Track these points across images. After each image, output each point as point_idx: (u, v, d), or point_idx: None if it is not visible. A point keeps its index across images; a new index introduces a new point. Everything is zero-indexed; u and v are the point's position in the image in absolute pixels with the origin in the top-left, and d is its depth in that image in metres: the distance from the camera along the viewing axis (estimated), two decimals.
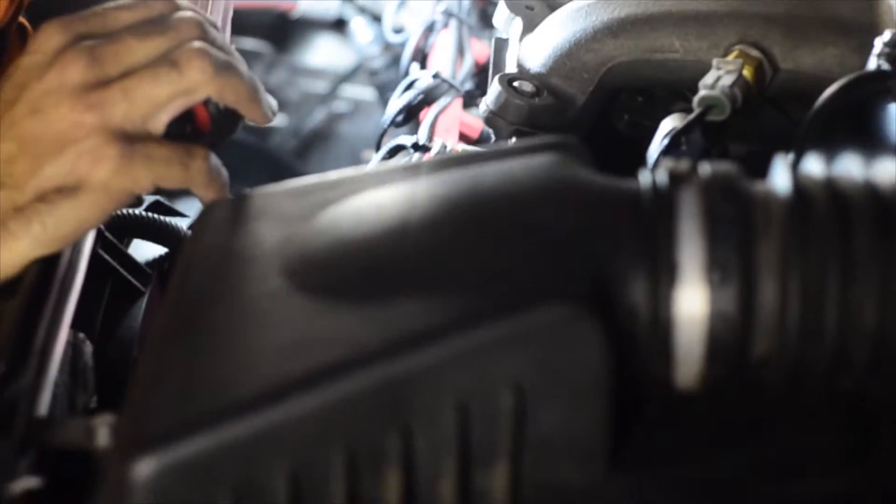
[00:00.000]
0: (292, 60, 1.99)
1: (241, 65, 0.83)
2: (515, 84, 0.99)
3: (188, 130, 0.84)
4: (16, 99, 0.79)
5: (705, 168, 0.70)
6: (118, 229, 1.00)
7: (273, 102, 0.86)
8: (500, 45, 1.07)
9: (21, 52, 0.83)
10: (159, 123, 0.80)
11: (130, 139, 0.79)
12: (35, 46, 0.81)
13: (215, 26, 0.84)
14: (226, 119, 0.85)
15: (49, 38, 0.81)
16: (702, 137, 0.92)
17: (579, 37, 0.99)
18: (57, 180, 0.78)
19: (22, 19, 1.08)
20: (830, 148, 0.86)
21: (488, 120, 0.99)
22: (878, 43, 0.90)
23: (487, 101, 0.99)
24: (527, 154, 0.77)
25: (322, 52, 2.00)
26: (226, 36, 1.07)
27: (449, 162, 0.78)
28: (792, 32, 0.95)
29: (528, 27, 1.05)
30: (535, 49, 1.01)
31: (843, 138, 0.89)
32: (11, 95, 0.80)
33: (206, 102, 0.83)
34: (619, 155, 0.97)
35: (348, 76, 1.93)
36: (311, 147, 1.96)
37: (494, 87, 0.99)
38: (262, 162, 1.88)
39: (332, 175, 0.80)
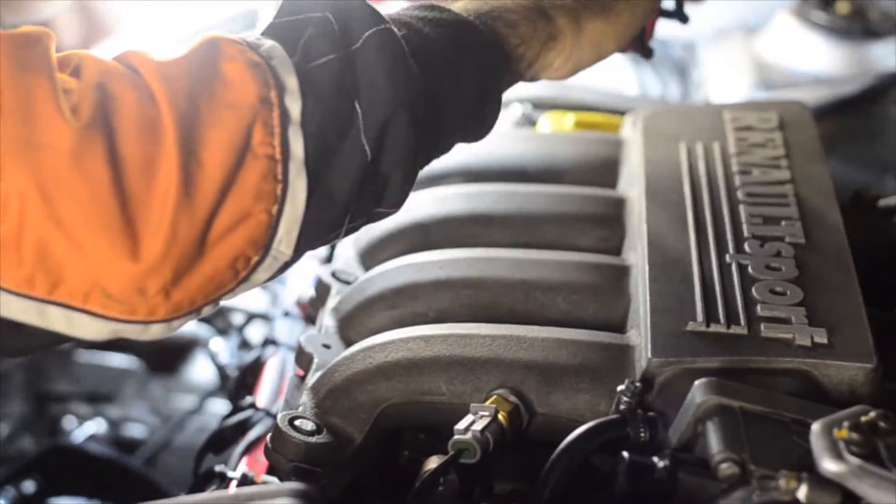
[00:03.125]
0: (163, 376, 2.04)
1: None
2: (297, 422, 1.04)
3: None
4: None
5: None
6: None
7: None
8: (294, 384, 1.12)
9: None
10: None
11: None
12: None
13: None
14: None
15: None
16: (457, 478, 0.96)
17: (356, 378, 1.05)
18: None
19: None
20: None
21: (268, 456, 1.03)
22: (618, 391, 0.97)
23: (268, 439, 1.04)
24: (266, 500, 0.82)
25: (192, 369, 2.05)
26: None
27: None
28: (547, 379, 1.02)
29: (322, 366, 1.11)
30: (319, 388, 1.07)
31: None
32: None
33: None
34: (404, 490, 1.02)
35: (213, 392, 1.98)
36: (176, 461, 1.99)
37: (276, 425, 1.03)
38: (120, 476, 1.90)
39: None
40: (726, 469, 0.87)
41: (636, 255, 1.15)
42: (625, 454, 0.91)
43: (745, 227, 1.15)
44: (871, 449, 0.85)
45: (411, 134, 0.94)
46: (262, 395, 1.37)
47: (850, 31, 1.96)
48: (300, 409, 1.06)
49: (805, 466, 0.86)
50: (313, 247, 0.96)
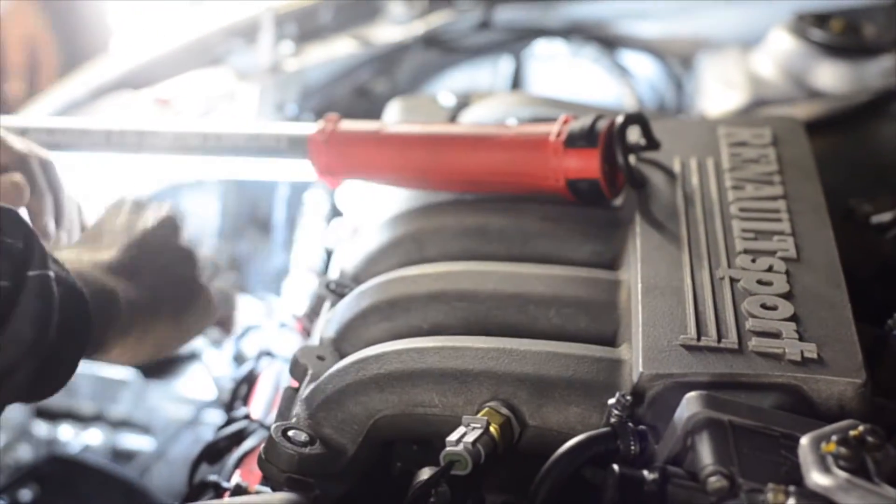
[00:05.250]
0: (160, 387, 2.05)
1: None
2: (290, 433, 1.04)
3: None
4: None
5: None
6: None
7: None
8: (288, 395, 1.13)
9: None
10: None
11: None
12: None
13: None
14: None
15: None
16: (448, 490, 0.97)
17: (349, 390, 1.06)
18: None
19: None
20: None
21: (262, 467, 1.04)
22: (609, 405, 0.97)
23: (262, 450, 1.04)
24: None
25: (188, 380, 2.06)
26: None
27: None
28: (538, 392, 1.02)
29: (316, 377, 1.12)
30: (312, 399, 1.07)
31: None
32: None
33: None
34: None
35: (210, 404, 1.98)
36: (170, 472, 1.99)
37: (269, 436, 1.04)
38: (116, 486, 1.91)
39: None
40: (715, 482, 0.88)
41: (629, 269, 1.16)
42: (615, 467, 0.91)
43: (737, 241, 1.16)
44: (859, 463, 0.85)
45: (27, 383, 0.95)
46: (257, 407, 1.37)
47: (845, 47, 1.97)
48: (294, 420, 1.07)
49: (793, 480, 0.86)
50: None
